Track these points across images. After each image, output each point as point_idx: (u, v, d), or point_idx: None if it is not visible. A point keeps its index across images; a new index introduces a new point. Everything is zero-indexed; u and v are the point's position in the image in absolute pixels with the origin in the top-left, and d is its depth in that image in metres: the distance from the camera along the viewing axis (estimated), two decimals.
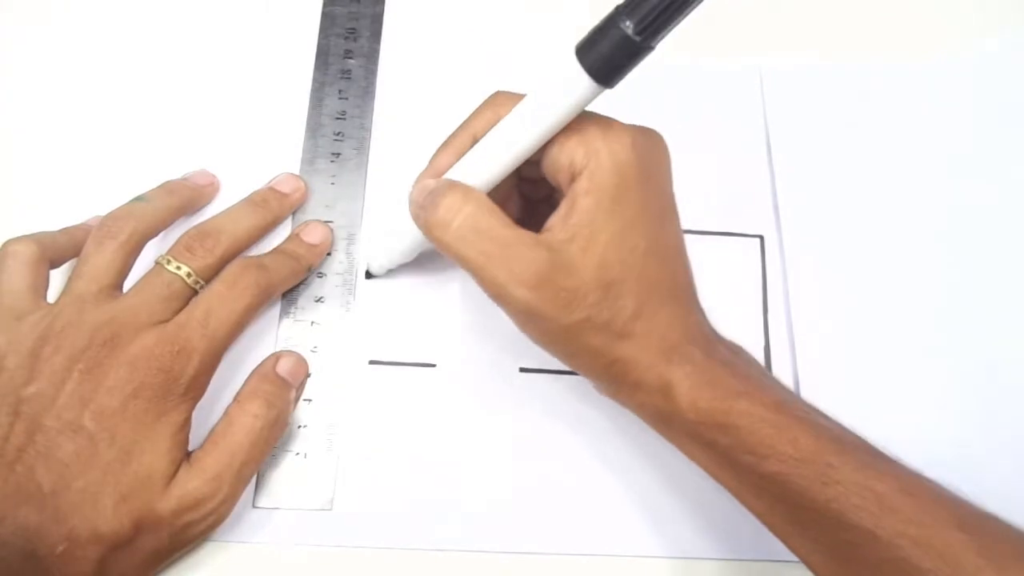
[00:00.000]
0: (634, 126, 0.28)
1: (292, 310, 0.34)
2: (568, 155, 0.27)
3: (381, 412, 0.33)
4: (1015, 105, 0.41)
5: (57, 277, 0.31)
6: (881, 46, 0.41)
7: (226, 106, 0.38)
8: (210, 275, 0.30)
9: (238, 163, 0.36)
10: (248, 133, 0.37)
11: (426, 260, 0.34)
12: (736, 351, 0.29)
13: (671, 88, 0.39)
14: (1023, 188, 0.39)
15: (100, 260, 0.30)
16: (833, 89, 0.40)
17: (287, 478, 0.32)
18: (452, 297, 0.35)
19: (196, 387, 0.28)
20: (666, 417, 0.28)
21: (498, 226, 0.27)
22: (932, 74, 0.41)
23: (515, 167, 0.28)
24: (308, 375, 0.33)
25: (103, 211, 0.31)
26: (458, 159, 0.29)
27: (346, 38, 0.39)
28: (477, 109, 0.30)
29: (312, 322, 0.34)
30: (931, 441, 0.34)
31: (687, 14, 0.24)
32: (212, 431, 0.29)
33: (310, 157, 0.37)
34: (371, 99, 0.38)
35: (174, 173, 0.35)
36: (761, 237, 0.37)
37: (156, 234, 0.32)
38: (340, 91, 0.38)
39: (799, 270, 0.36)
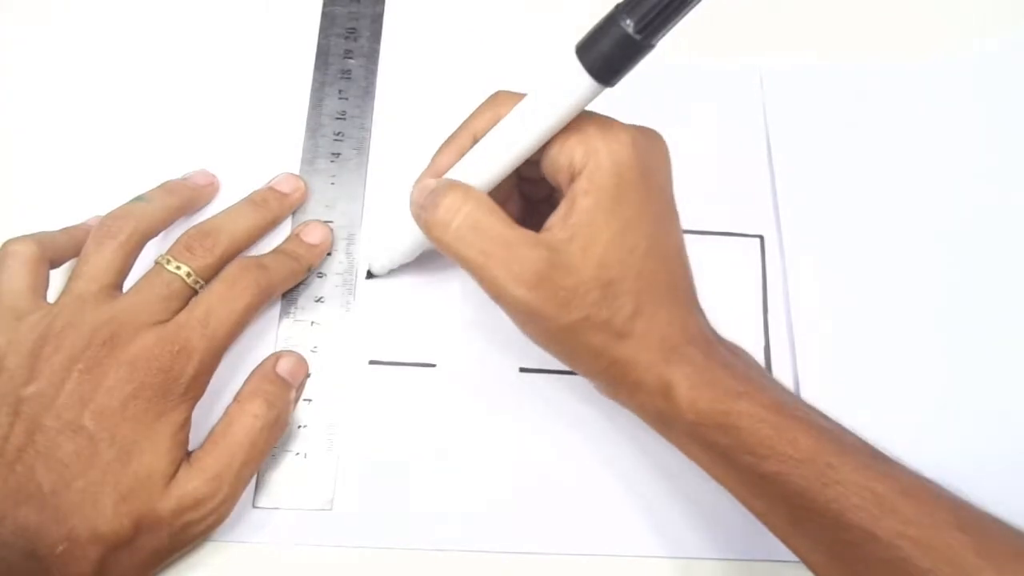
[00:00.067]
0: (634, 126, 0.28)
1: (292, 310, 0.34)
2: (568, 155, 0.27)
3: (381, 412, 0.33)
4: (1015, 105, 0.41)
5: (57, 277, 0.31)
6: (881, 46, 0.41)
7: (226, 106, 0.38)
8: (210, 275, 0.30)
9: (238, 163, 0.36)
10: (248, 133, 0.37)
11: (427, 260, 0.34)
12: (736, 352, 0.29)
13: (671, 88, 0.39)
14: (1022, 188, 0.39)
15: (100, 260, 0.30)
16: (833, 89, 0.40)
17: (287, 478, 0.32)
18: (452, 297, 0.35)
19: (196, 387, 0.28)
20: (666, 418, 0.28)
21: (498, 226, 0.27)
22: (932, 74, 0.41)
23: (515, 167, 0.28)
24: (308, 375, 0.33)
25: (103, 211, 0.31)
26: (458, 159, 0.29)
27: (346, 38, 0.39)
28: (477, 109, 0.30)
29: (312, 322, 0.34)
30: (931, 441, 0.34)
31: (687, 12, 0.24)
32: (212, 431, 0.29)
33: (310, 157, 0.37)
34: (371, 99, 0.38)
35: (174, 173, 0.35)
36: (761, 237, 0.37)
37: (156, 234, 0.32)
38: (340, 91, 0.38)
39: (799, 270, 0.36)
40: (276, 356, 0.32)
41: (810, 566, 0.27)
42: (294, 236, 0.34)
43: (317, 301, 0.34)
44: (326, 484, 0.32)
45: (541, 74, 0.26)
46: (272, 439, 0.30)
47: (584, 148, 0.27)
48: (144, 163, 0.35)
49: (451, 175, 0.29)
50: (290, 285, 0.34)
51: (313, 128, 0.37)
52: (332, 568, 0.31)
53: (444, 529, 0.32)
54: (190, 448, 0.29)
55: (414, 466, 0.32)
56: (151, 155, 0.36)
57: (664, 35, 0.24)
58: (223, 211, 0.33)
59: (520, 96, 0.28)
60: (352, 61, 0.39)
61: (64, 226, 0.32)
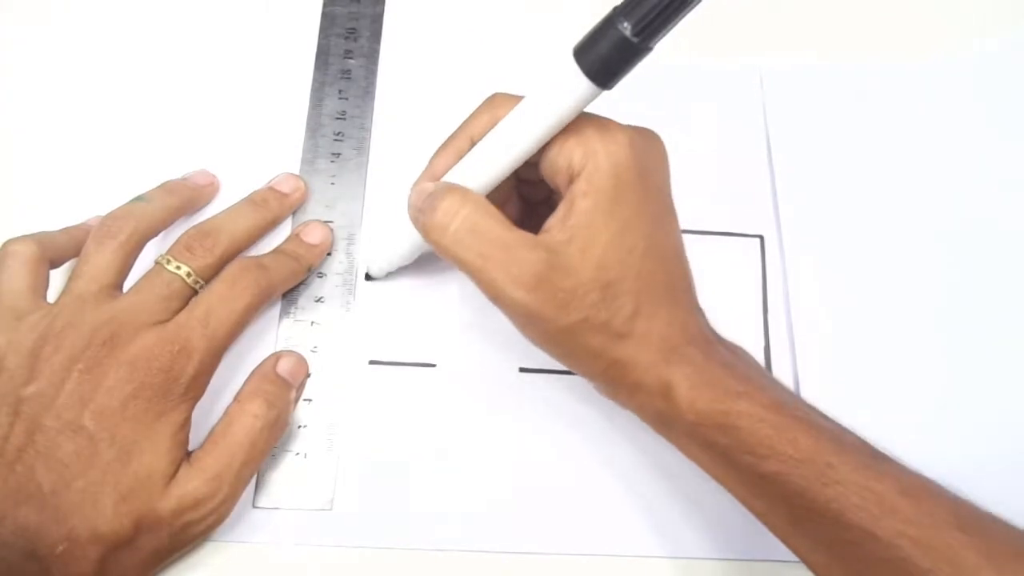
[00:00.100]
0: (632, 127, 0.28)
1: (292, 310, 0.34)
2: (566, 157, 0.27)
3: (381, 412, 0.33)
4: (1015, 105, 0.41)
5: (57, 277, 0.31)
6: (880, 46, 0.41)
7: (226, 106, 0.38)
8: (210, 275, 0.30)
9: (238, 163, 0.36)
10: (248, 133, 0.37)
11: (426, 261, 0.34)
12: (736, 351, 0.29)
13: (671, 88, 0.39)
14: (1022, 188, 0.39)
15: (100, 260, 0.30)
16: (833, 89, 0.40)
17: (287, 478, 0.32)
18: (452, 297, 0.35)
19: (196, 387, 0.28)
20: (666, 418, 0.28)
21: (496, 228, 0.27)
22: (932, 74, 0.41)
23: (513, 169, 0.28)
24: (308, 375, 0.33)
25: (103, 211, 0.31)
26: (456, 162, 0.29)
27: (346, 38, 0.39)
28: (475, 112, 0.30)
29: (312, 322, 0.34)
30: (931, 441, 0.34)
31: (685, 15, 0.24)
32: (212, 431, 0.29)
33: (310, 157, 0.37)
34: (371, 99, 0.38)
35: (174, 173, 0.35)
36: (761, 237, 0.37)
37: (156, 234, 0.32)
38: (340, 91, 0.38)
39: (799, 270, 0.36)
40: (276, 356, 0.32)
41: (810, 566, 0.27)
42: (294, 236, 0.34)
43: (317, 301, 0.34)
44: (326, 484, 0.32)
45: (539, 77, 0.26)
46: (272, 439, 0.30)
47: (582, 150, 0.27)
48: (144, 163, 0.35)
49: (449, 178, 0.29)
50: (290, 285, 0.34)
51: (313, 128, 0.37)
52: (332, 568, 0.31)
53: (444, 529, 0.31)
54: (190, 448, 0.29)
55: (414, 466, 0.32)
56: (151, 155, 0.36)
57: (662, 38, 0.24)
58: (223, 211, 0.33)
59: (517, 99, 0.28)
60: (352, 61, 0.39)
61: (64, 226, 0.32)
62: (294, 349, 0.33)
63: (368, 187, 0.36)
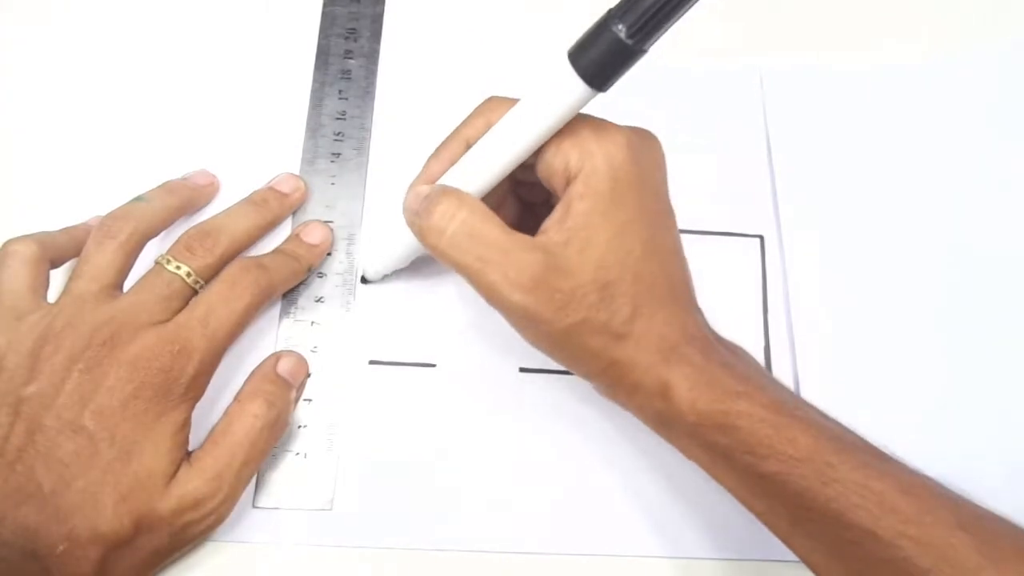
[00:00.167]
0: (628, 127, 0.28)
1: (292, 310, 0.34)
2: (563, 159, 0.27)
3: (381, 412, 0.33)
4: (1015, 105, 0.41)
5: (57, 277, 0.31)
6: (881, 46, 0.41)
7: (226, 106, 0.38)
8: (210, 275, 0.30)
9: (238, 163, 0.36)
10: (248, 133, 0.37)
11: (425, 261, 0.34)
12: (735, 351, 0.29)
13: (671, 88, 0.39)
14: (1022, 188, 0.39)
15: (100, 260, 0.30)
16: (833, 89, 0.40)
17: (287, 478, 0.32)
18: (452, 297, 0.35)
19: (196, 387, 0.28)
20: (665, 419, 0.28)
21: (493, 231, 0.27)
22: (932, 74, 0.41)
23: (508, 172, 0.28)
24: (308, 375, 0.33)
25: (103, 211, 0.31)
26: (451, 166, 0.29)
27: (346, 38, 0.39)
28: (470, 115, 0.30)
29: (312, 322, 0.34)
30: (931, 441, 0.34)
31: (680, 17, 0.23)
32: (212, 431, 0.29)
33: (310, 157, 0.37)
34: (371, 99, 0.38)
35: (174, 173, 0.35)
36: (761, 237, 0.37)
37: (156, 234, 0.32)
38: (340, 91, 0.38)
39: (799, 270, 0.36)
40: (276, 356, 0.32)
41: (810, 566, 0.27)
42: (294, 236, 0.34)
43: (317, 301, 0.34)
44: (326, 484, 0.32)
45: (534, 79, 0.26)
46: (272, 439, 0.30)
47: (579, 152, 0.27)
48: (144, 163, 0.35)
49: (444, 181, 0.29)
50: (290, 285, 0.34)
51: (313, 128, 0.37)
52: (332, 568, 0.31)
53: (444, 529, 0.31)
54: (190, 448, 0.29)
55: (414, 466, 0.32)
56: (151, 155, 0.36)
57: (656, 40, 0.24)
58: (223, 211, 0.33)
59: (512, 102, 0.28)
60: (352, 61, 0.39)
61: (64, 226, 0.32)
62: (294, 349, 0.33)
63: (368, 187, 0.36)
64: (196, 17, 0.39)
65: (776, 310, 0.36)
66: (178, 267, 0.30)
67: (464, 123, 0.30)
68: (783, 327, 0.36)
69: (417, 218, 0.28)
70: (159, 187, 0.33)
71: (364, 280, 0.35)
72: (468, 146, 0.29)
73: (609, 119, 0.28)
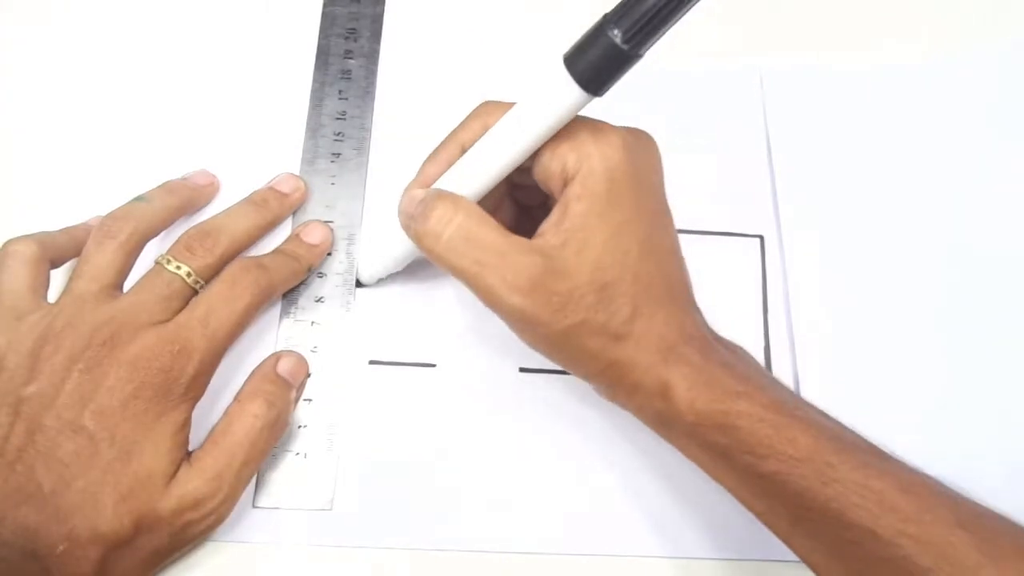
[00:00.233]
0: (625, 128, 0.28)
1: (292, 310, 0.34)
2: (560, 161, 0.27)
3: (381, 412, 0.33)
4: (1015, 105, 0.41)
5: (57, 277, 0.31)
6: (881, 46, 0.41)
7: (226, 106, 0.38)
8: (210, 275, 0.30)
9: (238, 163, 0.36)
10: (248, 133, 0.37)
11: (424, 261, 0.34)
12: (734, 351, 0.29)
13: (671, 89, 0.39)
14: (1023, 188, 0.39)
15: (100, 260, 0.30)
16: (833, 89, 0.40)
17: (287, 478, 0.32)
18: (452, 297, 0.35)
19: (196, 387, 0.28)
20: (665, 419, 0.28)
21: (490, 234, 0.27)
22: (932, 74, 0.41)
23: (504, 176, 0.28)
24: (308, 375, 0.33)
25: (103, 211, 0.31)
26: (446, 169, 0.29)
27: (346, 38, 0.39)
28: (465, 119, 0.30)
29: (312, 322, 0.34)
30: (931, 441, 0.34)
31: (675, 22, 0.23)
32: (212, 431, 0.29)
33: (310, 157, 0.37)
34: (371, 99, 0.38)
35: (174, 173, 0.35)
36: (761, 237, 0.37)
37: (156, 234, 0.32)
38: (340, 91, 0.38)
39: (799, 270, 0.36)
40: (276, 356, 0.32)
41: (810, 566, 0.27)
42: (294, 236, 0.34)
43: (317, 301, 0.34)
44: (326, 484, 0.32)
45: (529, 83, 0.26)
46: (272, 439, 0.30)
47: (576, 154, 0.27)
48: (144, 163, 0.35)
49: (440, 185, 0.29)
50: (290, 285, 0.34)
51: (313, 128, 0.37)
52: (332, 568, 0.31)
53: (444, 529, 0.31)
54: (190, 448, 0.29)
55: (414, 466, 0.32)
56: (151, 155, 0.36)
57: (652, 45, 0.24)
58: (223, 211, 0.33)
59: (507, 106, 0.28)
60: (352, 61, 0.39)
61: (64, 226, 0.32)
62: (294, 349, 0.33)
63: (368, 187, 0.36)
64: (196, 17, 0.39)
65: (776, 310, 0.36)
66: (178, 267, 0.30)
67: (460, 127, 0.30)
68: (783, 327, 0.36)
69: (413, 222, 0.28)
70: (159, 187, 0.33)
71: (359, 284, 0.35)
72: (464, 150, 0.29)
73: (609, 119, 0.28)
